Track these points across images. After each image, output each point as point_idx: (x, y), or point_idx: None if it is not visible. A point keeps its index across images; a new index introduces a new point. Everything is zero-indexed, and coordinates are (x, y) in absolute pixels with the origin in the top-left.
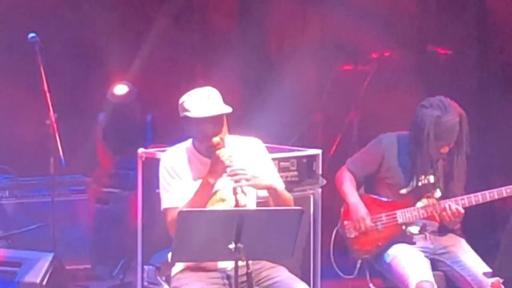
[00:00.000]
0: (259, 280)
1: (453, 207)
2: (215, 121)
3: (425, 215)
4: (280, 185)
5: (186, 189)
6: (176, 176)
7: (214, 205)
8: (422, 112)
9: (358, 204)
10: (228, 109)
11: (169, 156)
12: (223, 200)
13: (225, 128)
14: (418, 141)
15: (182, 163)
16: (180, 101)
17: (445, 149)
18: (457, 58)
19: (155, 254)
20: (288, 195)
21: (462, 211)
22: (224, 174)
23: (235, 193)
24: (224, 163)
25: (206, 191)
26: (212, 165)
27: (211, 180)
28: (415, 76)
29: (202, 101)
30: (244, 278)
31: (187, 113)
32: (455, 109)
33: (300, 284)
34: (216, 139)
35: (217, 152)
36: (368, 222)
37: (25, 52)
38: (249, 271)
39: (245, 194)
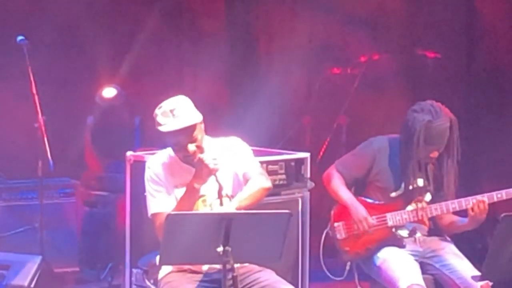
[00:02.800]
0: (247, 284)
1: (480, 203)
2: (186, 132)
3: (415, 218)
4: (259, 179)
5: (172, 195)
6: (161, 182)
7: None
8: (413, 116)
9: (355, 203)
10: (195, 119)
11: (153, 163)
12: (203, 201)
13: (200, 134)
14: (408, 145)
15: (166, 170)
16: (154, 113)
17: (435, 154)
18: (446, 62)
19: (143, 257)
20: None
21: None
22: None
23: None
24: (208, 167)
25: (192, 196)
26: (197, 170)
27: (196, 185)
28: (403, 80)
29: (169, 115)
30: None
31: (159, 127)
32: (446, 114)
33: (288, 287)
34: (191, 148)
35: (200, 156)
36: (371, 220)
37: (13, 55)
38: (234, 274)
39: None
